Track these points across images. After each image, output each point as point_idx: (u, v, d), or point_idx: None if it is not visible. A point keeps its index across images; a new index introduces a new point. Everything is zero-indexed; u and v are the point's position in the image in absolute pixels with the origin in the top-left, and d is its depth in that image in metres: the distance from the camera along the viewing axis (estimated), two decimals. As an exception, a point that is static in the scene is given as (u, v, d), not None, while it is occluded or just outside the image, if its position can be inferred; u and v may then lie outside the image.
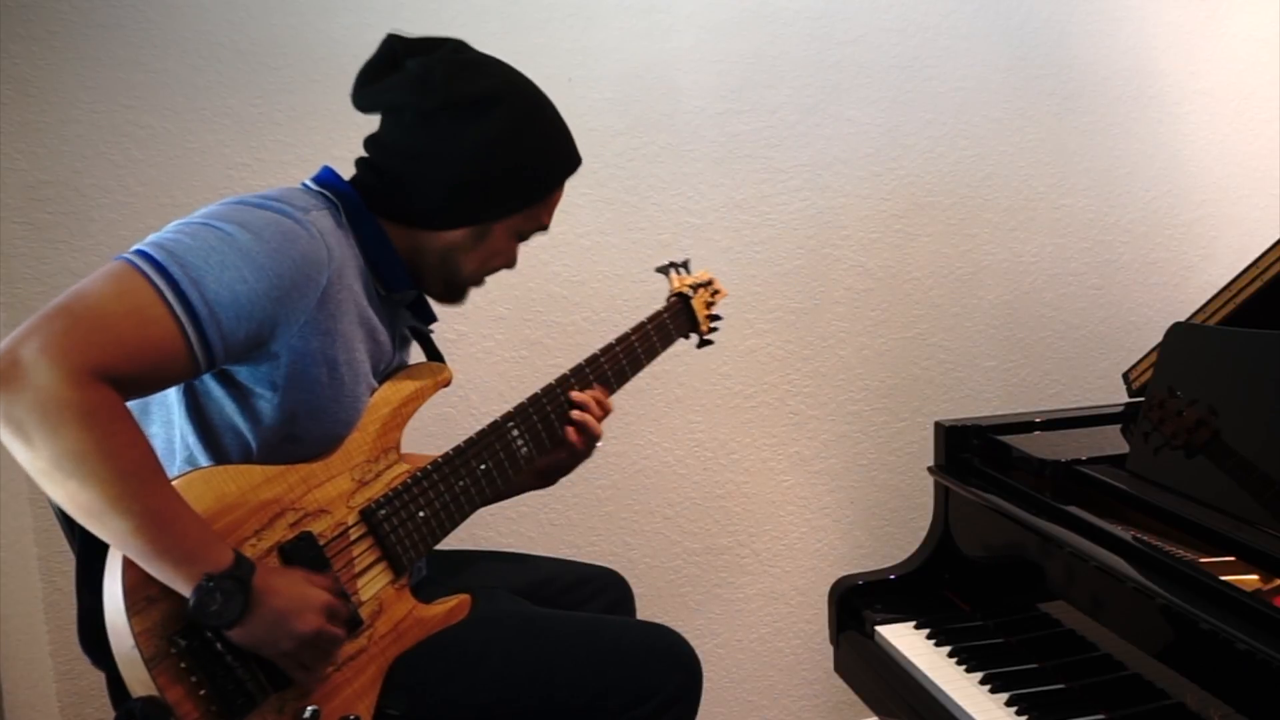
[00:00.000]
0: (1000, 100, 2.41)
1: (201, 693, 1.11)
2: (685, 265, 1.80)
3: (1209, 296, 1.73)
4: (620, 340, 1.61)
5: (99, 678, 1.19)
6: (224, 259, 1.14)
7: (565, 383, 1.53)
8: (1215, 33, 2.50)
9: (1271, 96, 2.54)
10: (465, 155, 1.33)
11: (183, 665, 1.10)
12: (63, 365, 1.03)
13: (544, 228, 1.45)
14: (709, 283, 1.79)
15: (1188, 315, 1.75)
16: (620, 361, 1.60)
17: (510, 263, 1.46)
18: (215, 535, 1.12)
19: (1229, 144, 2.54)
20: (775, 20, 2.26)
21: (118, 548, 1.09)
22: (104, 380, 1.06)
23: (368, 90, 1.36)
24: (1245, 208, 2.57)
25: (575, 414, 1.52)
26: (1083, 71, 2.46)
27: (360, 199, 1.34)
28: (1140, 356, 1.86)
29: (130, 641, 1.08)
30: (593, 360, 1.57)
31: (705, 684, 1.49)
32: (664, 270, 1.78)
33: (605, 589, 1.67)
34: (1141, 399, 1.61)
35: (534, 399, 1.49)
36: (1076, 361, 2.53)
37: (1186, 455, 1.45)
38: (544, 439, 1.50)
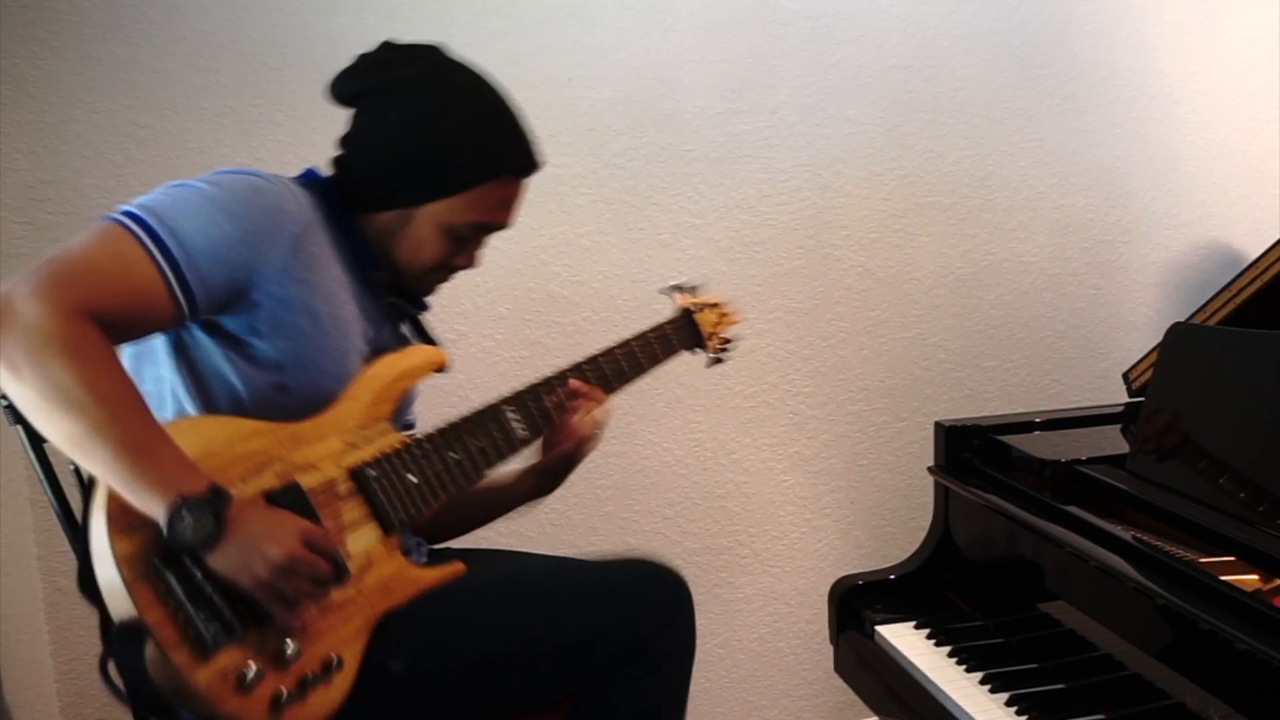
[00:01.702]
0: (1000, 100, 2.41)
1: (180, 618, 1.13)
2: (695, 289, 1.79)
3: (1209, 296, 1.73)
4: (620, 345, 1.62)
5: (99, 678, 1.18)
6: (198, 209, 1.23)
7: (562, 377, 1.54)
8: (1215, 33, 2.50)
9: (1271, 96, 2.54)
10: (382, 137, 1.37)
11: (162, 589, 1.13)
12: (49, 301, 1.11)
13: (482, 227, 1.42)
14: (716, 305, 1.79)
15: (1188, 315, 1.75)
16: (620, 364, 1.61)
17: (445, 255, 1.42)
18: (194, 466, 1.15)
19: (1229, 144, 2.54)
20: (775, 20, 2.26)
21: (97, 472, 1.13)
22: (89, 317, 1.13)
23: (335, 79, 1.42)
24: (1245, 208, 2.57)
25: (572, 402, 1.52)
26: (1083, 71, 2.46)
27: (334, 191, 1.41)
28: (1140, 356, 1.86)
29: (112, 565, 1.11)
30: (591, 361, 1.57)
31: (706, 684, 1.50)
32: (668, 291, 1.77)
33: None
34: (1141, 399, 1.61)
35: (531, 387, 1.51)
36: (1076, 361, 2.53)
37: (1186, 456, 1.45)
38: (539, 423, 1.50)
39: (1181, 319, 1.66)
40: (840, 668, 1.79)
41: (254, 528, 1.16)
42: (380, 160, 1.38)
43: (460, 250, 1.43)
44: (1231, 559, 1.31)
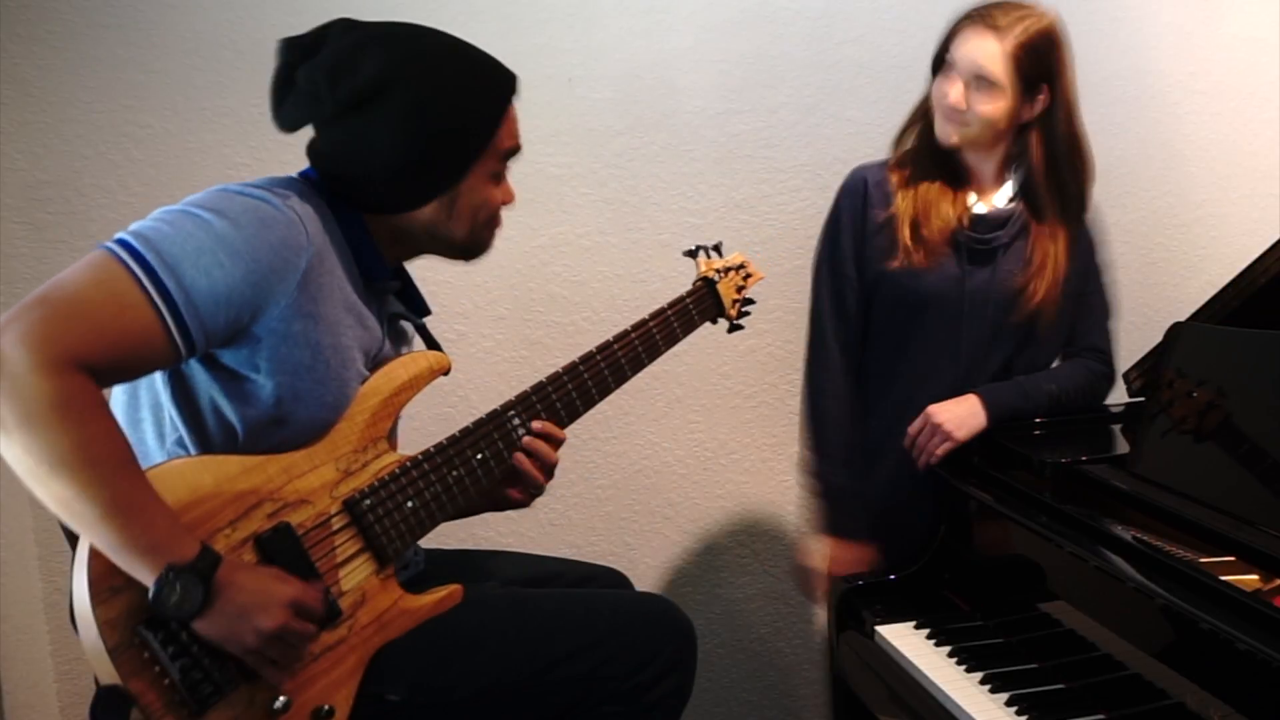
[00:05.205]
0: (1000, 100, 2.41)
1: (165, 683, 1.12)
2: (717, 248, 1.72)
3: (1209, 296, 1.72)
4: (637, 327, 1.55)
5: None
6: (200, 245, 1.16)
7: (570, 371, 1.49)
8: (1215, 33, 2.50)
9: (1271, 96, 2.53)
10: (388, 144, 1.30)
11: (146, 656, 1.11)
12: (39, 354, 1.06)
13: (513, 151, 1.40)
14: (740, 266, 1.71)
15: (1188, 315, 1.75)
16: (636, 348, 1.55)
17: (498, 202, 1.40)
18: (183, 528, 1.13)
19: (1229, 144, 2.54)
20: (775, 20, 2.26)
21: (85, 536, 1.11)
22: (80, 369, 1.09)
23: (280, 112, 1.36)
24: (1245, 208, 2.57)
25: (532, 443, 1.46)
26: (1083, 71, 2.45)
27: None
28: (1140, 356, 1.86)
29: (95, 631, 1.09)
30: (605, 347, 1.52)
31: (705, 684, 1.49)
32: (692, 254, 1.70)
33: (609, 588, 1.65)
34: (1141, 399, 1.61)
35: (536, 387, 1.47)
36: (1076, 361, 2.52)
37: (1186, 456, 1.45)
38: (563, 419, 1.47)
39: (1181, 319, 1.66)
40: (840, 668, 1.79)
41: (243, 598, 1.14)
42: (404, 160, 1.31)
43: (501, 190, 1.41)
44: (1231, 559, 1.31)
